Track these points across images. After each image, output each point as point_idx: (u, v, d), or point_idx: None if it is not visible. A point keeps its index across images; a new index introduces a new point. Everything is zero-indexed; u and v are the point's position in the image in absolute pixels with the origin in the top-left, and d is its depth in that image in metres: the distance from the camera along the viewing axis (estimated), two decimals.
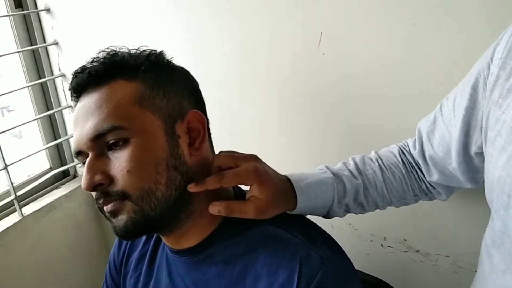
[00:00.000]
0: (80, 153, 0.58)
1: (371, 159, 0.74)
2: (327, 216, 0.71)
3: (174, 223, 0.60)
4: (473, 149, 0.62)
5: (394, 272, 1.01)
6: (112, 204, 0.56)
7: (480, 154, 0.61)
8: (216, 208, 0.59)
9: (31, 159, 1.27)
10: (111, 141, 0.55)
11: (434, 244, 0.95)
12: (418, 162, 0.73)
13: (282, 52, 0.97)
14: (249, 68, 1.03)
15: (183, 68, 0.66)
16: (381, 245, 1.02)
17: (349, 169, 0.72)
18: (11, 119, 1.42)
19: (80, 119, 0.58)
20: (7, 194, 1.20)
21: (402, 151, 0.76)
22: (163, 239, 0.67)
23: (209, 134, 0.66)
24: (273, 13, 0.95)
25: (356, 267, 0.63)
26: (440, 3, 0.77)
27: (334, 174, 0.70)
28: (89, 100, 0.58)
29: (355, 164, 0.73)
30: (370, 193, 0.71)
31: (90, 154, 0.57)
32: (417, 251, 0.98)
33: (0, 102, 1.42)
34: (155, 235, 0.72)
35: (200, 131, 0.61)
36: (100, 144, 0.56)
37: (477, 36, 0.76)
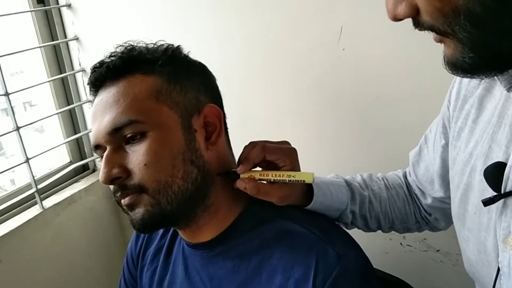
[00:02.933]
0: (98, 147, 0.59)
1: (378, 178, 0.76)
2: (338, 219, 0.71)
3: (191, 217, 0.60)
4: None
5: (413, 271, 0.99)
6: (129, 197, 0.56)
7: None
8: (243, 184, 0.59)
9: (52, 153, 1.29)
10: (129, 135, 0.56)
11: (455, 244, 0.92)
12: (413, 187, 0.74)
13: (301, 47, 0.96)
14: (267, 62, 1.02)
15: (200, 63, 0.66)
16: (400, 243, 1.00)
17: (357, 181, 0.73)
18: (33, 114, 1.44)
19: (98, 113, 0.58)
20: (28, 187, 1.22)
21: (405, 176, 0.77)
22: (180, 232, 0.67)
23: (226, 128, 0.66)
24: (293, 8, 0.94)
25: (374, 266, 0.62)
26: None
27: (345, 181, 0.72)
28: (107, 94, 0.58)
29: (363, 178, 0.75)
30: (374, 207, 0.72)
31: (108, 148, 0.57)
32: (437, 250, 0.96)
33: (23, 97, 1.45)
34: (172, 229, 0.73)
35: (217, 126, 0.61)
36: (118, 138, 0.56)
37: None
